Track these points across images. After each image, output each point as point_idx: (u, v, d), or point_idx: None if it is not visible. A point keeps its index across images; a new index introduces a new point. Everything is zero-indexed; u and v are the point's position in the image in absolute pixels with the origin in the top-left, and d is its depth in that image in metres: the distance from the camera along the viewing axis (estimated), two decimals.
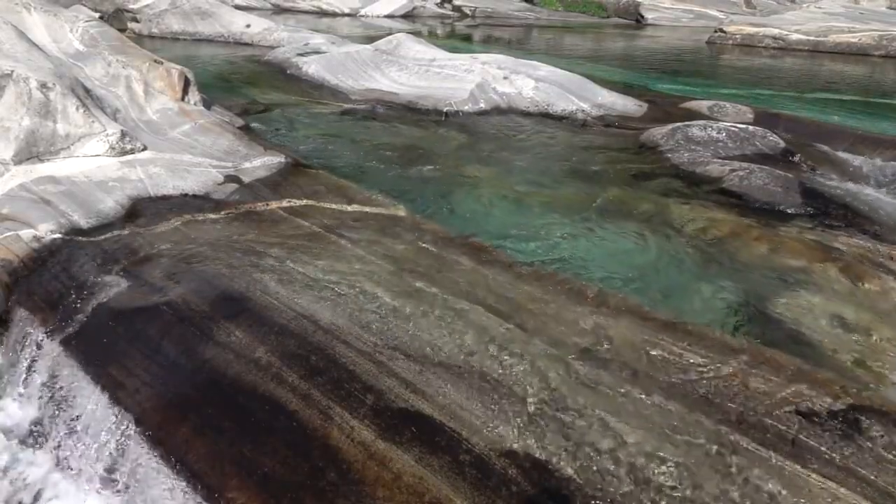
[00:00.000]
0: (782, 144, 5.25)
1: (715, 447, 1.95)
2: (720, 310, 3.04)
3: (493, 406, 2.10)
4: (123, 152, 3.88)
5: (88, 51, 4.99)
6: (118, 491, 2.11)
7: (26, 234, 3.02)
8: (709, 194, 4.34)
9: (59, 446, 2.33)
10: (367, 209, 3.57)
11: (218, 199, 3.60)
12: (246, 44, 10.48)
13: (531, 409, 2.09)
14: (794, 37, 14.04)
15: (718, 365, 2.29)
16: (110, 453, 2.15)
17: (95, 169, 3.68)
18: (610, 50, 13.95)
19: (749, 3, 20.85)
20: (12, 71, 3.72)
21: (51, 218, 3.14)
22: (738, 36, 14.68)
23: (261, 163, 4.16)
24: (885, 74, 11.54)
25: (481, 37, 15.37)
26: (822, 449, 1.96)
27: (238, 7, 12.64)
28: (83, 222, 3.18)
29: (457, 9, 19.40)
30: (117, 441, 2.14)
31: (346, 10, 17.22)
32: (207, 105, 5.10)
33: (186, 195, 3.60)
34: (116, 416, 2.18)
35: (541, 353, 2.33)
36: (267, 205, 3.54)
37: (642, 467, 1.89)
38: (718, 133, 5.29)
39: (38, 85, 3.73)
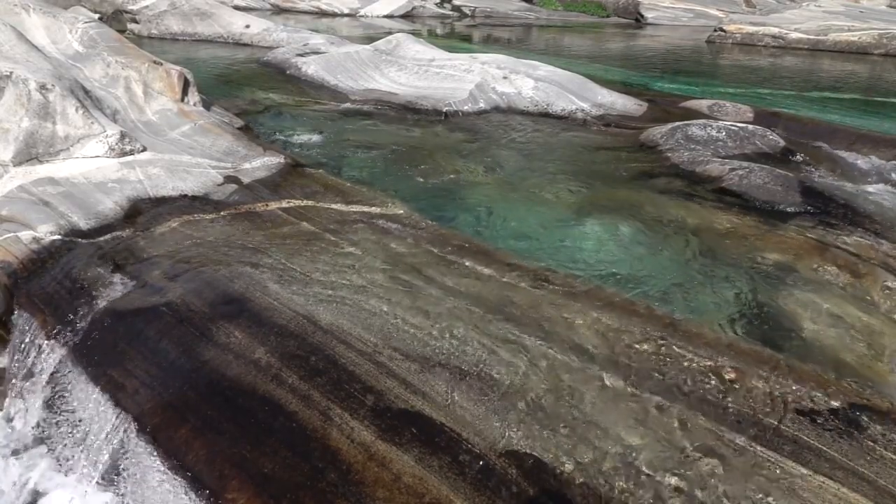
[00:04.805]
0: (782, 143, 5.24)
1: (715, 447, 1.95)
2: (719, 309, 3.03)
3: (493, 406, 2.10)
4: (123, 153, 3.88)
5: (88, 52, 4.99)
6: (118, 492, 2.11)
7: (26, 235, 3.02)
8: (708, 193, 4.33)
9: (59, 448, 2.33)
10: (366, 209, 3.57)
11: (217, 199, 3.60)
12: (245, 44, 10.48)
13: (531, 408, 2.09)
14: (794, 35, 14.03)
15: (718, 364, 2.29)
16: (110, 454, 2.15)
17: (95, 170, 3.68)
18: (609, 49, 13.94)
19: (749, 2, 20.83)
20: (11, 72, 3.72)
21: (50, 219, 3.14)
22: (737, 35, 14.67)
23: (260, 163, 4.15)
24: (885, 73, 11.52)
25: (481, 37, 15.35)
26: (823, 448, 1.96)
27: (237, 8, 12.65)
28: (82, 223, 3.18)
29: (456, 9, 19.40)
30: (117, 442, 2.14)
31: (346, 11, 17.22)
32: (207, 106, 5.10)
33: (186, 196, 3.60)
34: (116, 418, 2.18)
35: (541, 352, 2.33)
36: (266, 205, 3.54)
37: (642, 467, 1.89)
38: (718, 132, 5.28)
39: (38, 86, 3.73)
